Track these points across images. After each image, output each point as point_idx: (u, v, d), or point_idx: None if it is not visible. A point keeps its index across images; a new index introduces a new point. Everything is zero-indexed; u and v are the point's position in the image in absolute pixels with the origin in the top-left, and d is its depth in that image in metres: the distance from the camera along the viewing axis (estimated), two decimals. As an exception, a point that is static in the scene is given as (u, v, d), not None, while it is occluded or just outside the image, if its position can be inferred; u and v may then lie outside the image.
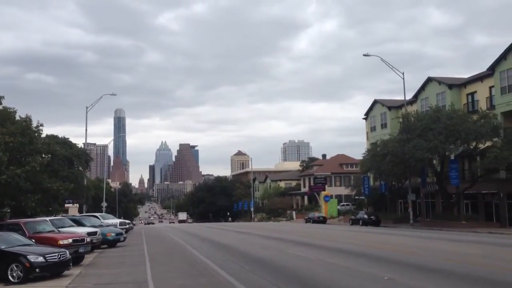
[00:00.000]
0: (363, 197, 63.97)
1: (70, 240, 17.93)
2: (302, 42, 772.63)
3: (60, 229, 20.95)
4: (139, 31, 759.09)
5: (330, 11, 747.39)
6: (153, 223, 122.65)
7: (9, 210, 35.50)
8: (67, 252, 15.42)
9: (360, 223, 49.47)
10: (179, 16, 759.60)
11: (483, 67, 56.40)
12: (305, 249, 21.29)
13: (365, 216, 50.65)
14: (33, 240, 16.74)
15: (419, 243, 23.90)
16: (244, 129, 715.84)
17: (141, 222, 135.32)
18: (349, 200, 78.41)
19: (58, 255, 14.80)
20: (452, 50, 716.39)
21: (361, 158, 56.99)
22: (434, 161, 44.06)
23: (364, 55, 46.35)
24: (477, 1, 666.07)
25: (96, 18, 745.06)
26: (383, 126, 59.05)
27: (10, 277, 13.91)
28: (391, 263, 15.99)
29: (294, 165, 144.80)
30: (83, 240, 18.71)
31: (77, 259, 17.79)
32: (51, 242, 17.24)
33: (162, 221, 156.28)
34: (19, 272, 13.90)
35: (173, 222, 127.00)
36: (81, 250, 18.18)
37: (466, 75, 51.10)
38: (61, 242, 17.38)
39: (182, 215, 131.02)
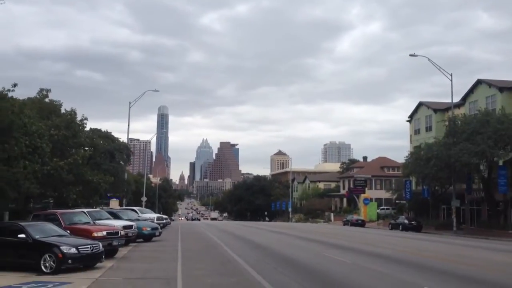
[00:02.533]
0: (404, 202, 62.15)
1: (104, 233, 17.96)
2: (345, 44, 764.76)
3: (96, 221, 21.13)
4: (183, 31, 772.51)
5: (374, 13, 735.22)
6: (198, 219, 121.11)
7: (52, 201, 36.44)
8: (100, 244, 15.39)
9: (400, 228, 47.99)
10: (222, 16, 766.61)
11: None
12: (342, 253, 20.61)
13: (406, 221, 49.12)
14: (68, 231, 16.85)
15: (463, 252, 22.73)
16: (285, 130, 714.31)
17: (181, 218, 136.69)
18: (389, 204, 76.45)
19: (91, 247, 14.80)
20: (500, 53, 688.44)
21: (404, 161, 55.30)
22: (481, 167, 42.16)
23: (411, 55, 44.87)
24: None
25: (143, 18, 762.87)
26: (428, 129, 57.12)
27: (43, 267, 13.95)
28: (432, 271, 15.13)
29: (334, 167, 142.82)
30: (117, 233, 18.72)
31: (110, 252, 17.79)
32: (86, 234, 17.32)
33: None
34: (51, 263, 13.93)
35: (207, 219, 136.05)
36: (115, 243, 18.19)
37: (515, 79, 48.53)
38: (95, 234, 17.43)
39: (214, 214, 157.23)
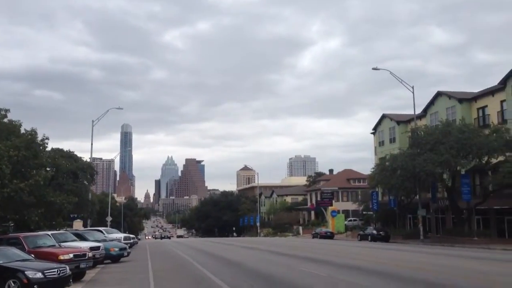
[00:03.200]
0: (371, 213, 62.91)
1: (71, 255, 17.24)
2: (306, 59, 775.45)
3: (62, 244, 20.29)
4: (144, 49, 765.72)
5: (333, 29, 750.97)
6: (168, 237, 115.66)
7: (12, 225, 34.93)
8: (67, 267, 14.73)
9: (369, 239, 48.44)
10: (184, 34, 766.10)
11: (486, 84, 55.86)
12: (315, 266, 20.46)
13: (374, 232, 49.63)
14: (33, 255, 16.07)
15: (434, 260, 22.99)
16: (249, 145, 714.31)
17: (148, 237, 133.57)
18: (356, 215, 77.24)
19: (57, 271, 14.13)
20: (455, 67, 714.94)
21: (369, 173, 56.10)
22: (445, 176, 43.19)
23: (374, 68, 45.95)
24: (478, 19, 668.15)
25: (103, 37, 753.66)
26: (392, 140, 58.27)
27: (7, 294, 13.24)
28: (406, 281, 15.16)
29: (300, 180, 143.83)
30: (84, 255, 18.01)
31: (78, 275, 17.08)
32: (52, 257, 16.57)
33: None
34: (16, 289, 13.22)
35: (172, 236, 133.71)
36: (82, 265, 17.48)
37: (470, 91, 50.42)
38: (61, 257, 16.70)
39: (180, 231, 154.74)
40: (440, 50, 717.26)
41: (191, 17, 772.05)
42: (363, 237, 50.31)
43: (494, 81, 41.58)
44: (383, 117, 61.59)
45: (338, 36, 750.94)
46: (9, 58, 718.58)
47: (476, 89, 49.88)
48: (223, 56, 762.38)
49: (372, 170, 52.41)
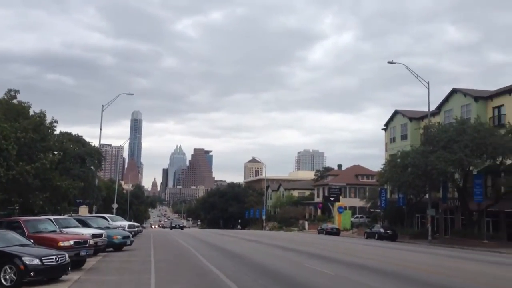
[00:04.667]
0: (378, 210, 62.14)
1: (72, 242, 16.74)
2: (318, 53, 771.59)
3: (63, 230, 19.85)
4: (156, 37, 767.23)
5: (346, 23, 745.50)
6: (181, 227, 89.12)
7: (17, 208, 34.68)
8: (66, 255, 14.23)
9: (376, 237, 47.73)
10: (196, 23, 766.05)
11: (499, 84, 54.61)
12: (322, 263, 19.84)
13: (381, 230, 48.90)
14: (32, 240, 15.62)
15: (445, 263, 22.31)
16: (258, 137, 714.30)
17: (154, 226, 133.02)
18: (363, 212, 76.44)
19: (56, 258, 13.63)
20: (468, 66, 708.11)
21: (379, 169, 55.24)
22: (456, 176, 42.32)
23: (389, 62, 45.42)
24: (492, 18, 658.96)
25: (116, 23, 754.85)
26: (404, 137, 57.34)
27: (2, 280, 12.77)
28: (421, 284, 14.51)
29: (308, 175, 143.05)
30: (85, 242, 17.51)
31: (78, 263, 16.62)
32: (51, 243, 16.09)
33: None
34: (12, 275, 12.75)
35: (185, 226, 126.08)
36: (82, 253, 17.00)
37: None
38: (61, 244, 16.21)
39: (183, 221, 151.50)
40: (454, 48, 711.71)
41: (204, 6, 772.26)
42: (370, 235, 49.64)
43: (507, 81, 40.60)
44: (396, 113, 60.64)
45: (351, 30, 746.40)
46: (21, 41, 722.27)
47: (489, 88, 48.84)
48: (235, 46, 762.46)
49: (382, 166, 51.60)
